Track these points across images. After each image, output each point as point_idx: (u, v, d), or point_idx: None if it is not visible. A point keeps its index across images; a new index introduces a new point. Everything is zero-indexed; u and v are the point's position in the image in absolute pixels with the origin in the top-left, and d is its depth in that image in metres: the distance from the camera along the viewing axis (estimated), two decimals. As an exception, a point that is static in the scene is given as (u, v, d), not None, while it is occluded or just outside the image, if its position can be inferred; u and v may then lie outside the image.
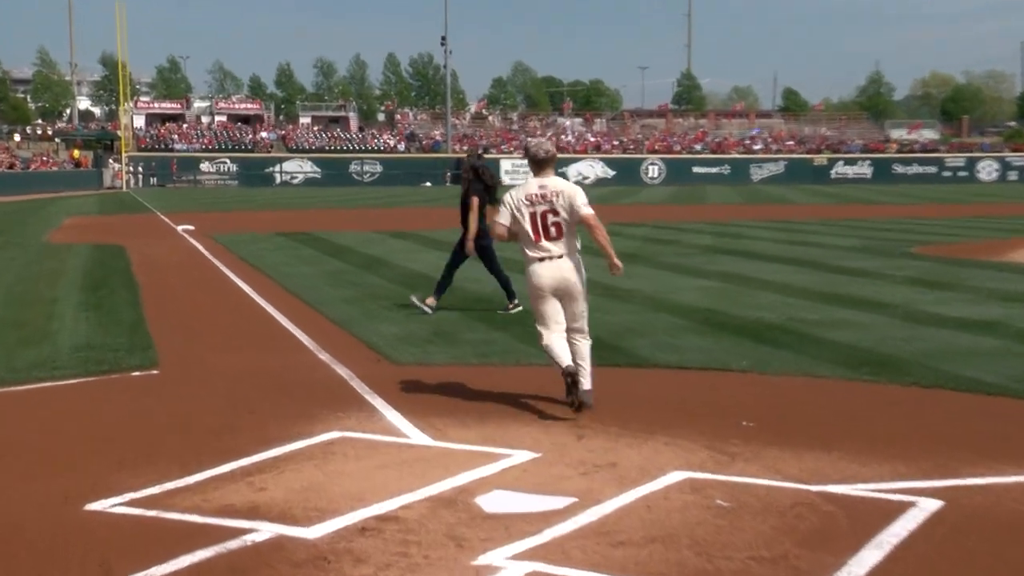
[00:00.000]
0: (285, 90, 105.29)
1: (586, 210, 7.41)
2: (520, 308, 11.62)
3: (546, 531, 4.97)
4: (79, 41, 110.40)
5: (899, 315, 11.75)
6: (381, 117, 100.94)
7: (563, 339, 7.47)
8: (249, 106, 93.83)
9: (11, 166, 65.22)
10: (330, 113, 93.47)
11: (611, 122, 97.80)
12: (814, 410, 7.55)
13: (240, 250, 21.10)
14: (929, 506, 5.31)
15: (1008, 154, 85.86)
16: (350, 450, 6.48)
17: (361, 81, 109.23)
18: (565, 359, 7.34)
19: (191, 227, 27.68)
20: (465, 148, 65.63)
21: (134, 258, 19.53)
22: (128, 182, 68.78)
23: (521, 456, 6.29)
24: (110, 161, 72.47)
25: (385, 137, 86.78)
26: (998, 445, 6.51)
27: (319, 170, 75.86)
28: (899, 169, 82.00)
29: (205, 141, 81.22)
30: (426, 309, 11.91)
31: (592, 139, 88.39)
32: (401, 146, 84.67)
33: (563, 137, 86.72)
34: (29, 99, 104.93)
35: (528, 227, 7.44)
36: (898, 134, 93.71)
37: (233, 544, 4.84)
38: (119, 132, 74.02)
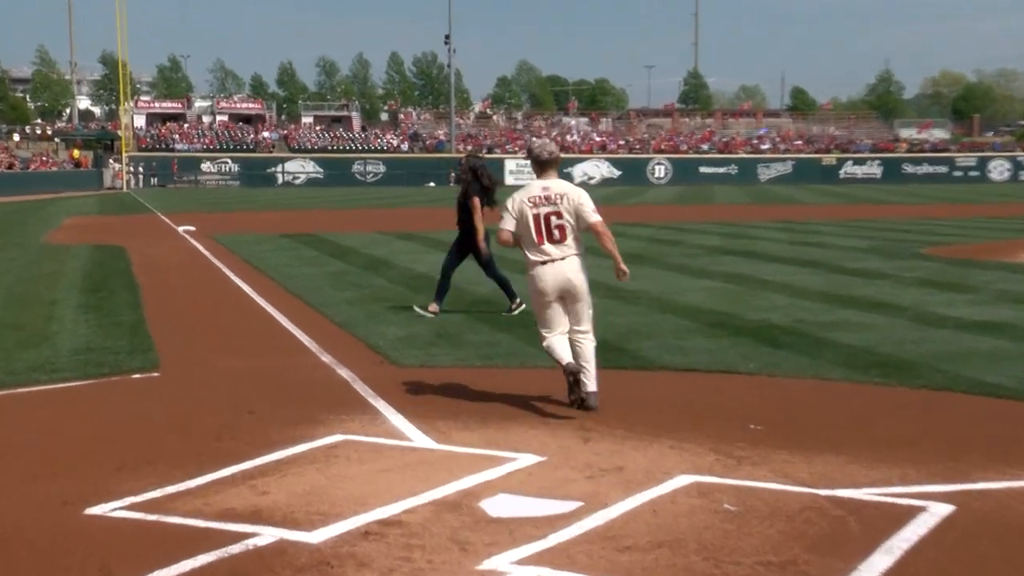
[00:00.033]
0: (287, 89, 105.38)
1: (595, 217, 7.42)
2: (523, 307, 11.57)
3: (551, 535, 4.93)
4: (79, 40, 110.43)
5: (909, 317, 11.70)
6: (384, 117, 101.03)
7: (564, 339, 7.46)
8: (251, 105, 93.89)
9: (10, 166, 65.18)
10: (333, 113, 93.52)
11: (617, 122, 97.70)
12: (823, 413, 7.50)
13: (242, 251, 21.07)
14: (940, 511, 5.26)
15: (1020, 153, 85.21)
16: (353, 453, 6.45)
17: (364, 80, 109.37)
18: (566, 357, 7.36)
19: (192, 228, 27.65)
20: (470, 148, 65.91)
21: (135, 259, 19.49)
22: (128, 182, 68.66)
23: (526, 459, 6.25)
24: (110, 161, 72.34)
25: (388, 137, 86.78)
26: (1010, 448, 6.46)
27: (321, 170, 75.78)
28: (909, 169, 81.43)
29: (206, 141, 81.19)
30: (430, 316, 11.86)
31: (598, 139, 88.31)
32: (404, 146, 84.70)
33: (568, 137, 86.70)
34: (28, 98, 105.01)
35: (532, 229, 7.41)
36: (908, 133, 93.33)
37: (235, 548, 4.80)
38: (119, 132, 73.87)
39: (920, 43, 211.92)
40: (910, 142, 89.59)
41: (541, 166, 7.61)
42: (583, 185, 7.66)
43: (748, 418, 7.17)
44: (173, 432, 7.04)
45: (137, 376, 8.97)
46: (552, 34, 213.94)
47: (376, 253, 20.43)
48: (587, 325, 7.52)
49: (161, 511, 5.34)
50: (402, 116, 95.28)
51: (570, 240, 7.42)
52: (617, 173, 78.29)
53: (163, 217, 35.01)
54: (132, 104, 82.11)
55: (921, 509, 5.28)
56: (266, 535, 4.98)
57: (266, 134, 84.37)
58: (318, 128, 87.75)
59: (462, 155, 12.31)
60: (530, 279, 7.52)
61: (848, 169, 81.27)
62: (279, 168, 75.81)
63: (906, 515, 5.20)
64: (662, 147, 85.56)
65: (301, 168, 76.08)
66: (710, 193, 58.29)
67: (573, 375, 7.37)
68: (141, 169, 72.27)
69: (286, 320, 11.98)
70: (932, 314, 11.85)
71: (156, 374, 9.07)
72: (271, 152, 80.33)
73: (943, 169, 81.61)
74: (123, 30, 69.84)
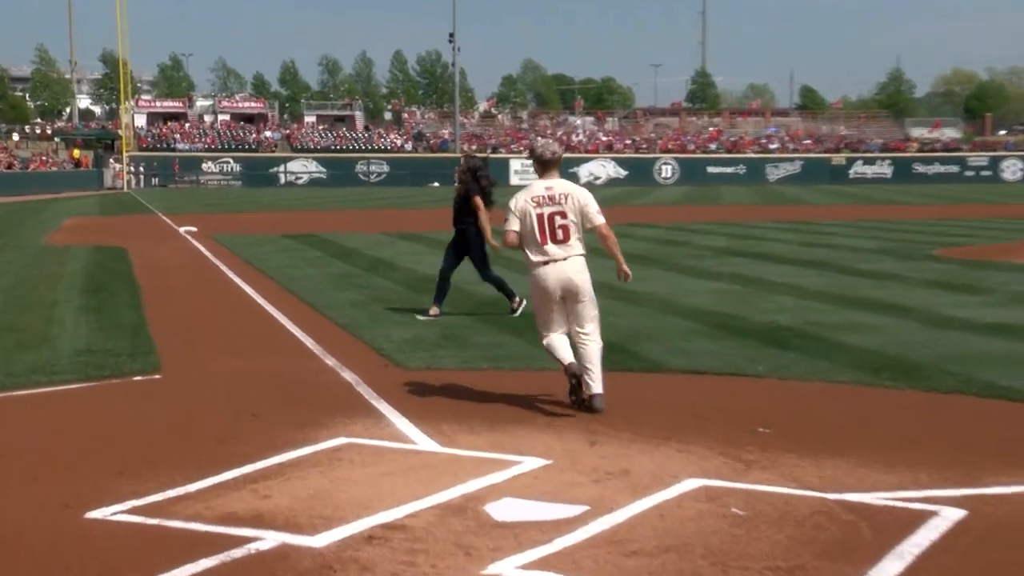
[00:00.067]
0: (290, 88, 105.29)
1: (600, 219, 7.43)
2: (524, 303, 11.54)
3: (557, 540, 4.90)
4: (79, 38, 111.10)
5: (919, 319, 11.63)
6: (388, 116, 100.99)
7: (564, 339, 7.47)
8: (253, 105, 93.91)
9: (10, 166, 65.29)
10: (336, 112, 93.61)
11: (623, 121, 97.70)
12: (832, 416, 7.44)
13: (244, 252, 21.06)
14: (952, 515, 5.21)
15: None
16: (356, 457, 6.41)
17: (367, 79, 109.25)
18: (568, 357, 7.37)
19: (193, 228, 27.62)
20: (474, 147, 65.93)
21: (135, 260, 19.48)
22: (129, 182, 68.73)
23: (531, 463, 6.21)
24: (111, 161, 72.36)
25: (392, 136, 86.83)
26: (1023, 452, 6.41)
27: (324, 170, 75.84)
28: (920, 168, 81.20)
29: (208, 140, 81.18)
30: (432, 318, 11.83)
31: (604, 138, 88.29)
32: (408, 145, 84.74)
33: (574, 136, 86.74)
34: (28, 97, 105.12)
35: (535, 229, 7.39)
36: (919, 132, 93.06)
37: (237, 553, 4.77)
38: (120, 131, 73.92)
39: (931, 40, 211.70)
40: (921, 141, 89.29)
41: (543, 166, 7.60)
42: (588, 185, 7.65)
43: (756, 421, 7.12)
44: (174, 435, 7.00)
45: (138, 378, 8.93)
46: (558, 32, 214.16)
47: (380, 254, 20.41)
48: (591, 326, 7.48)
49: (162, 515, 5.31)
50: (406, 115, 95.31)
51: (574, 240, 7.40)
52: (623, 173, 78.26)
53: (164, 218, 35.02)
54: (133, 103, 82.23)
55: (933, 514, 5.23)
56: (268, 539, 4.94)
57: (268, 133, 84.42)
58: (321, 127, 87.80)
59: (461, 156, 12.31)
60: (532, 279, 7.51)
61: (858, 169, 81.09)
62: (281, 168, 75.91)
63: (917, 520, 5.15)
64: (669, 147, 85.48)
65: (304, 168, 76.13)
66: (718, 193, 58.28)
67: (575, 377, 7.37)
68: (142, 169, 72.30)
69: (288, 322, 11.95)
70: (943, 316, 11.79)
71: (157, 376, 9.03)
72: (273, 152, 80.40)
73: (955, 169, 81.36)
74: (124, 28, 70.07)
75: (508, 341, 10.44)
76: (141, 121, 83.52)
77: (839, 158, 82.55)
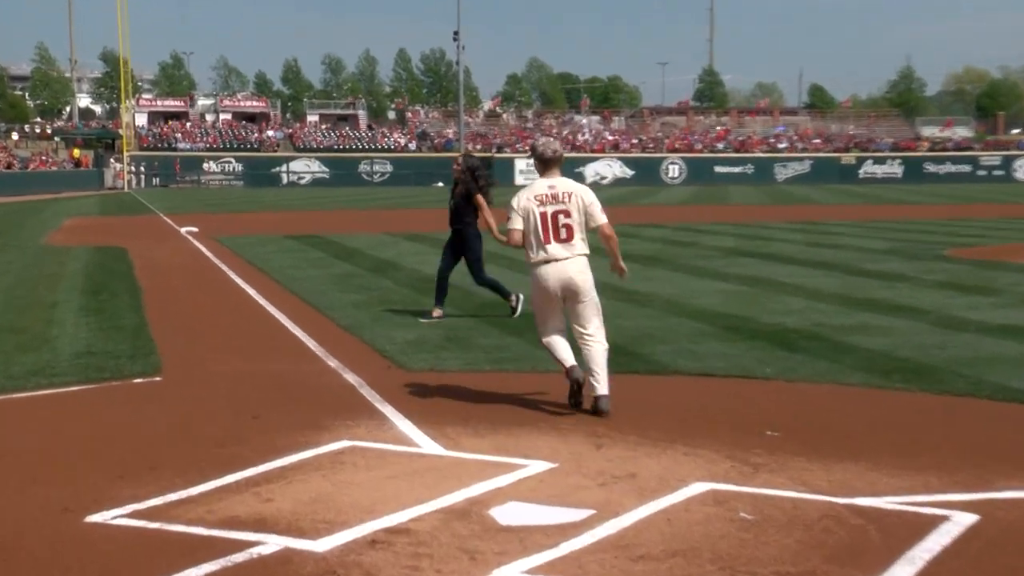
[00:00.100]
0: (292, 87, 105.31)
1: (603, 218, 7.42)
2: (522, 297, 11.56)
3: (563, 544, 4.87)
4: (79, 37, 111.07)
5: (931, 320, 11.57)
6: (391, 115, 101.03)
7: (564, 339, 7.45)
8: (255, 104, 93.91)
9: (9, 166, 65.35)
10: (339, 111, 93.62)
11: (630, 120, 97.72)
12: (842, 419, 7.38)
13: (245, 253, 21.05)
14: (964, 520, 5.17)
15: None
16: (360, 460, 6.37)
17: (371, 78, 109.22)
18: (569, 360, 7.38)
19: (195, 229, 27.61)
20: (479, 147, 65.91)
21: (136, 261, 19.47)
22: (130, 182, 68.85)
23: (537, 466, 6.17)
24: (111, 161, 72.44)
25: (395, 136, 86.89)
26: (1035, 456, 6.37)
27: (327, 170, 75.90)
28: (931, 168, 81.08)
29: (209, 140, 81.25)
30: (434, 320, 11.80)
31: (610, 137, 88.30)
32: (412, 145, 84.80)
33: (580, 135, 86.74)
34: (28, 97, 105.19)
35: (539, 228, 7.38)
36: (930, 131, 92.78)
37: (239, 557, 4.74)
38: (120, 131, 74.02)
39: (943, 38, 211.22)
40: (932, 140, 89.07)
41: (545, 164, 7.58)
42: (594, 185, 7.62)
43: (765, 424, 7.07)
44: (176, 438, 6.97)
45: (139, 381, 8.89)
46: (563, 30, 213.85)
47: (383, 255, 20.39)
48: (594, 327, 7.44)
49: (163, 519, 5.28)
50: (410, 114, 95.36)
51: (577, 239, 7.38)
52: (630, 173, 78.29)
53: (165, 218, 35.05)
54: (133, 102, 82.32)
55: (944, 518, 5.19)
56: (271, 544, 4.91)
57: (270, 133, 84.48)
58: (324, 127, 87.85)
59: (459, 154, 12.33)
60: (533, 278, 7.49)
61: (868, 168, 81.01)
62: (284, 168, 75.98)
63: (928, 524, 5.11)
64: (676, 146, 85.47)
65: (306, 168, 76.18)
66: (725, 193, 58.30)
67: (577, 382, 7.38)
68: (143, 169, 72.41)
69: (291, 323, 11.92)
70: (955, 317, 11.72)
71: (158, 379, 8.99)
72: (275, 151, 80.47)
73: (966, 168, 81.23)
74: (124, 27, 70.03)
75: (512, 343, 10.40)
76: (142, 120, 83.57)
77: (849, 157, 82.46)
